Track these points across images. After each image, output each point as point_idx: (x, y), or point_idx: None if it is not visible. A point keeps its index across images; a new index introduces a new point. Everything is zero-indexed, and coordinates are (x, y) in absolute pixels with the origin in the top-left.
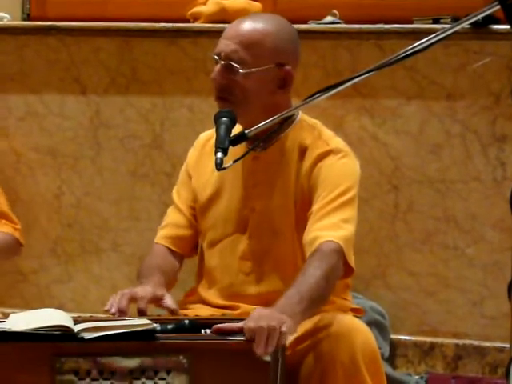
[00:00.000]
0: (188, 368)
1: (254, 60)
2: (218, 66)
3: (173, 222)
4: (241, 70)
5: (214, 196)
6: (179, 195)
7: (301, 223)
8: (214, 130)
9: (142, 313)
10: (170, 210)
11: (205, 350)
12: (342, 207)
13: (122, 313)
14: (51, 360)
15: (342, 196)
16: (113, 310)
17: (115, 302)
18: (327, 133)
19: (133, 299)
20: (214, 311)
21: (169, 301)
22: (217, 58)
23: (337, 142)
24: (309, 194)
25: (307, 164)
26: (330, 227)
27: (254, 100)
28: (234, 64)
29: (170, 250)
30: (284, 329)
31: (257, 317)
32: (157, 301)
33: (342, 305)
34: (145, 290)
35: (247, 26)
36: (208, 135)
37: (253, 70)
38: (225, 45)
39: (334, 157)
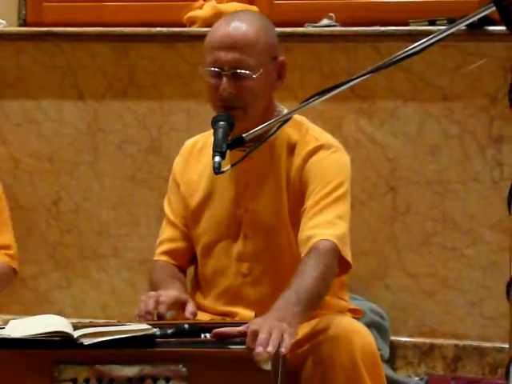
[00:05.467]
0: (187, 376)
1: (257, 62)
2: (225, 79)
3: (168, 237)
4: (253, 76)
5: (205, 200)
6: (171, 207)
7: (295, 220)
8: (198, 136)
9: (160, 317)
10: (164, 225)
11: (205, 358)
12: (336, 203)
13: (149, 315)
14: (50, 368)
15: (334, 191)
16: (140, 313)
17: (142, 304)
18: (315, 128)
19: (156, 302)
20: (213, 317)
21: (190, 308)
22: (217, 70)
23: (326, 137)
24: (301, 190)
25: (298, 160)
26: (324, 225)
27: (261, 99)
28: (244, 71)
29: (171, 264)
30: (286, 334)
31: (260, 321)
32: (180, 305)
33: (340, 306)
34: (168, 295)
35: (238, 29)
36: (193, 141)
37: (260, 71)
38: (224, 55)
39: (325, 152)
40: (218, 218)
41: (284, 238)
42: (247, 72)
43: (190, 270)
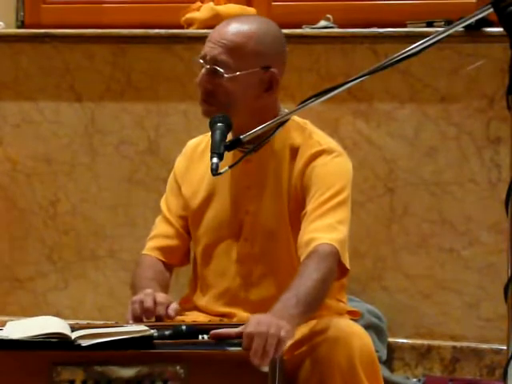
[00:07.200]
0: (185, 378)
1: (237, 64)
2: (203, 71)
3: (161, 233)
4: (225, 75)
5: (206, 201)
6: (167, 205)
7: (295, 224)
8: (201, 136)
9: (160, 318)
10: (158, 221)
11: (202, 359)
12: (336, 208)
13: (148, 312)
14: (47, 369)
15: (336, 197)
16: (136, 314)
17: (140, 300)
18: (318, 132)
19: (155, 303)
20: (211, 318)
21: (173, 306)
22: (202, 61)
23: (329, 141)
24: (302, 194)
25: (300, 164)
26: (325, 229)
27: (238, 104)
28: (218, 68)
29: (160, 260)
30: (283, 334)
31: (256, 322)
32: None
33: (339, 308)
34: (162, 297)
35: (232, 29)
36: (196, 142)
37: (237, 73)
38: (209, 48)
39: (327, 156)
40: (219, 220)
41: (284, 242)
42: (220, 70)
43: (187, 271)
